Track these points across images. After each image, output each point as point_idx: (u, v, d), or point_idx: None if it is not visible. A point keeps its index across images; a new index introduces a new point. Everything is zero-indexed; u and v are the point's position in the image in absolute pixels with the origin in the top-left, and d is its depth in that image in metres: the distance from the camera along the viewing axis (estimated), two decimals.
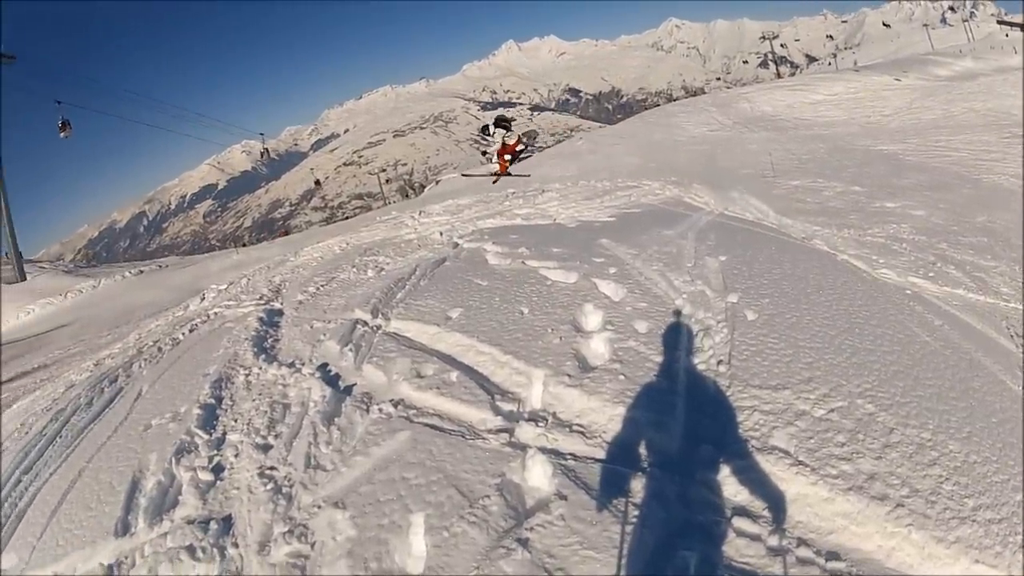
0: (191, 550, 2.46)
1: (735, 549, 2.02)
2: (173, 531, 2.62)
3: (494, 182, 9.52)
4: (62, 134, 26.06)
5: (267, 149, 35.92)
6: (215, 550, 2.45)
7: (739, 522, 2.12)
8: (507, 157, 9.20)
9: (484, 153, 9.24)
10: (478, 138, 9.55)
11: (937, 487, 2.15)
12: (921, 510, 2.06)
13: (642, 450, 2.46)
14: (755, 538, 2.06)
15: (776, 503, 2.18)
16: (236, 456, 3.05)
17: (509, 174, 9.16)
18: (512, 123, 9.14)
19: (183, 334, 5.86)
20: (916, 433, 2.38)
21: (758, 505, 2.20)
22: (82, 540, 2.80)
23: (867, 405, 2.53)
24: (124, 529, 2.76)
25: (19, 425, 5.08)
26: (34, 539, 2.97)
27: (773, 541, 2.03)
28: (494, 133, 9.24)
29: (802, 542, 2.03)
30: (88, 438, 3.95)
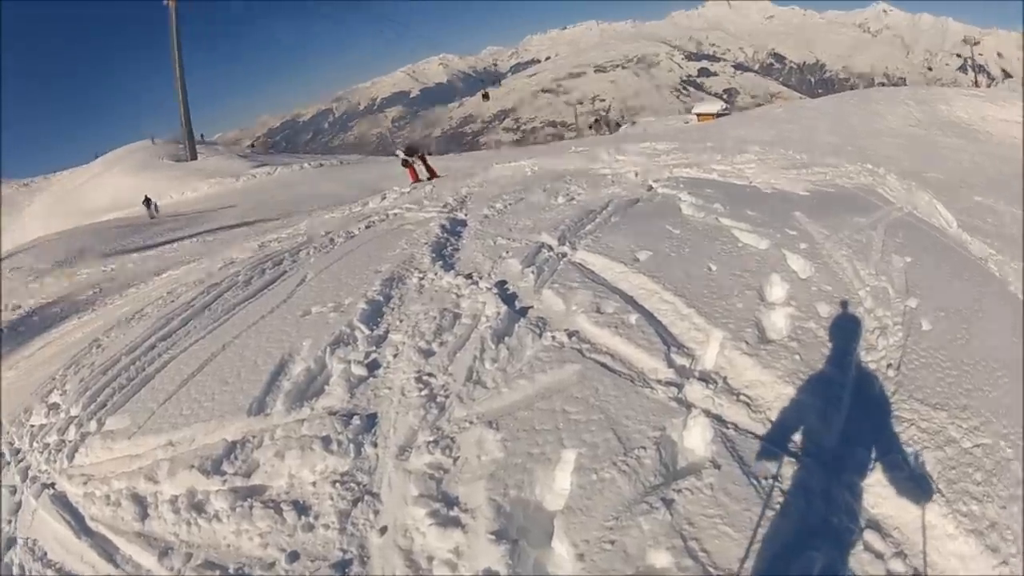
0: (326, 441, 2.45)
1: (858, 562, 2.14)
2: (311, 419, 2.63)
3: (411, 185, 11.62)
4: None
5: (487, 92, 39.03)
6: (352, 445, 2.45)
7: (869, 535, 2.24)
8: (419, 169, 11.73)
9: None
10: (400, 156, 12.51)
11: None
12: (1019, 571, 2.21)
13: (800, 436, 2.54)
14: (879, 556, 2.18)
15: (907, 526, 2.30)
16: (395, 356, 3.07)
17: (420, 180, 11.28)
18: (415, 153, 12.07)
19: (358, 229, 6.03)
20: None
21: (890, 523, 2.32)
22: (210, 412, 2.82)
23: (1007, 449, 2.66)
24: (259, 409, 2.77)
25: (165, 293, 5.32)
26: (155, 404, 3.00)
27: (894, 565, 2.15)
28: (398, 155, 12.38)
29: (918, 574, 2.15)
30: (240, 315, 4.00)
